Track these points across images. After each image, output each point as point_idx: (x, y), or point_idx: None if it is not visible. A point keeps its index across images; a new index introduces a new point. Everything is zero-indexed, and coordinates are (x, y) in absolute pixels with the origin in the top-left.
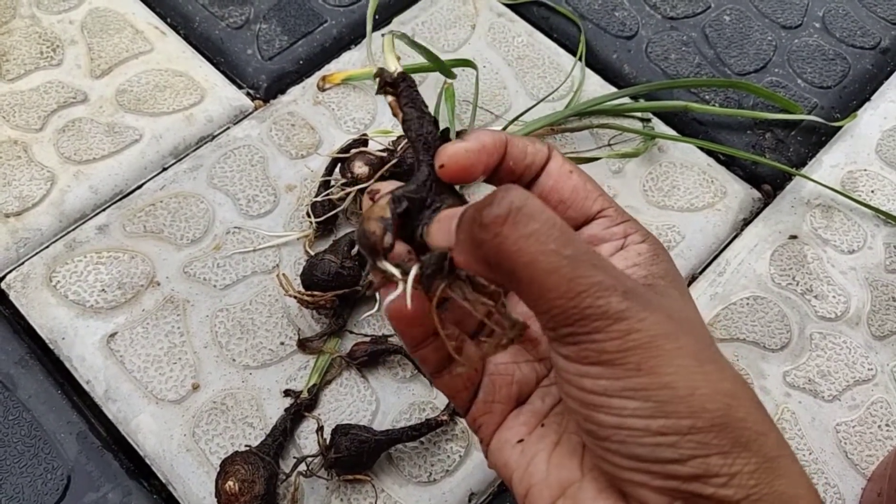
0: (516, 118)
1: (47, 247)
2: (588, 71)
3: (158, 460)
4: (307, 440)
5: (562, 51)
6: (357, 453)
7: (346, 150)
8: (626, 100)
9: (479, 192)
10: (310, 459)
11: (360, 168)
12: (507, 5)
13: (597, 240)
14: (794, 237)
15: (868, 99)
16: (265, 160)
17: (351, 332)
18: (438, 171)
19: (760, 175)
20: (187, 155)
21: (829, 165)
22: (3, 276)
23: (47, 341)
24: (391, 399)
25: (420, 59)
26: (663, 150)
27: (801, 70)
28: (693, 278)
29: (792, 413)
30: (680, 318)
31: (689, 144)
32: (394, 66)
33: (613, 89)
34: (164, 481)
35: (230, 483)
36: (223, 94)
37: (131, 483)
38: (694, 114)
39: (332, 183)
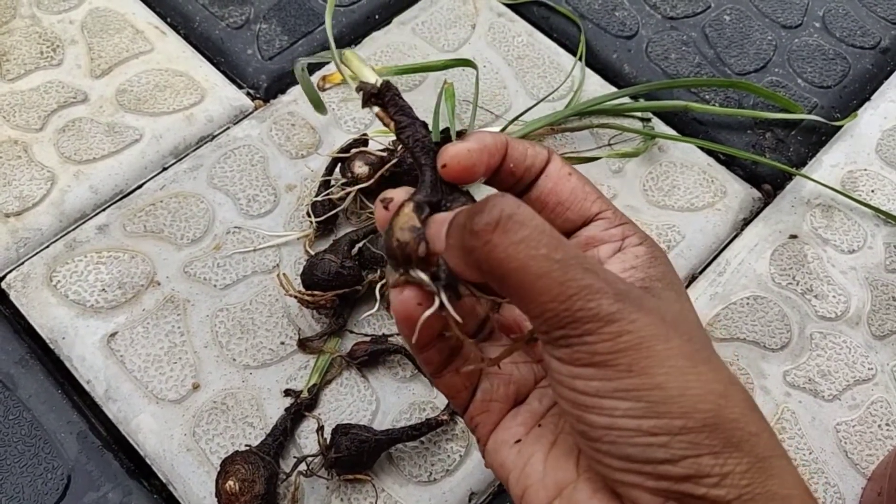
0: (516, 118)
1: (47, 246)
2: (588, 71)
3: (159, 460)
4: (307, 440)
5: (562, 50)
6: (357, 453)
7: (346, 149)
8: (626, 99)
9: (479, 192)
10: (310, 459)
11: (360, 168)
12: (507, 5)
13: (595, 241)
14: (794, 237)
15: (868, 99)
16: (265, 160)
17: (351, 332)
18: (441, 171)
19: (760, 175)
20: (187, 155)
21: (829, 165)
22: (4, 276)
23: (48, 341)
24: (391, 399)
25: (420, 60)
26: (663, 149)
27: (802, 70)
28: (693, 278)
29: (792, 413)
30: (673, 320)
31: (689, 144)
32: (374, 78)
33: (613, 89)
34: (164, 481)
35: (230, 483)
36: (223, 94)
37: (132, 483)
38: (694, 113)
39: (333, 183)
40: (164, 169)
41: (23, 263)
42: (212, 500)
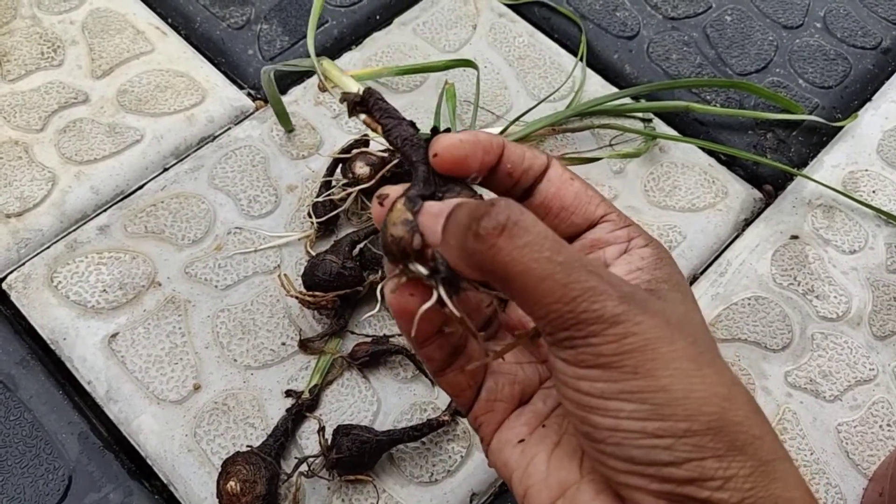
0: (517, 118)
1: (48, 247)
2: (589, 71)
3: (160, 461)
4: (308, 440)
5: (563, 51)
6: (358, 454)
7: (347, 150)
8: (628, 100)
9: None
10: (311, 460)
11: (361, 168)
12: (508, 5)
13: (601, 243)
14: (795, 237)
15: (869, 99)
16: (266, 160)
17: (352, 333)
18: (433, 160)
19: (762, 175)
20: (188, 155)
21: (830, 166)
22: (5, 277)
23: (48, 342)
24: (392, 399)
25: (421, 60)
26: (664, 150)
27: (803, 70)
28: (694, 279)
29: (793, 413)
30: (678, 322)
31: (690, 145)
32: (355, 87)
33: (614, 89)
34: (165, 482)
35: (232, 483)
36: (224, 95)
37: (133, 483)
38: (695, 114)
39: (334, 183)
40: (165, 169)
41: (24, 264)
42: (213, 500)
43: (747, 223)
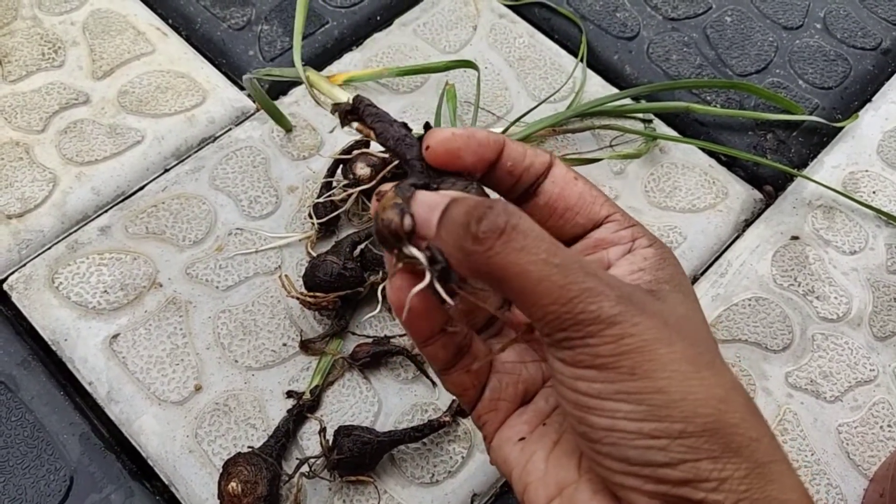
0: (518, 119)
1: (49, 248)
2: (589, 72)
3: (161, 462)
4: (310, 441)
5: (563, 52)
6: (359, 454)
7: (348, 151)
8: (628, 101)
9: None
10: (312, 461)
11: (362, 169)
12: (509, 6)
13: (605, 243)
14: (795, 238)
15: (869, 100)
16: (267, 161)
17: (353, 334)
18: (425, 152)
19: (762, 176)
20: (189, 156)
21: (830, 166)
22: (6, 278)
23: (49, 343)
24: (393, 400)
25: (422, 61)
26: (665, 150)
27: (803, 71)
28: (695, 279)
29: (794, 414)
30: (677, 323)
31: (690, 145)
32: (345, 96)
33: (615, 90)
34: (166, 482)
35: (233, 484)
36: (225, 96)
37: (134, 484)
38: (695, 115)
39: (335, 184)
40: (166, 170)
41: (25, 265)
42: (214, 501)
43: (748, 224)
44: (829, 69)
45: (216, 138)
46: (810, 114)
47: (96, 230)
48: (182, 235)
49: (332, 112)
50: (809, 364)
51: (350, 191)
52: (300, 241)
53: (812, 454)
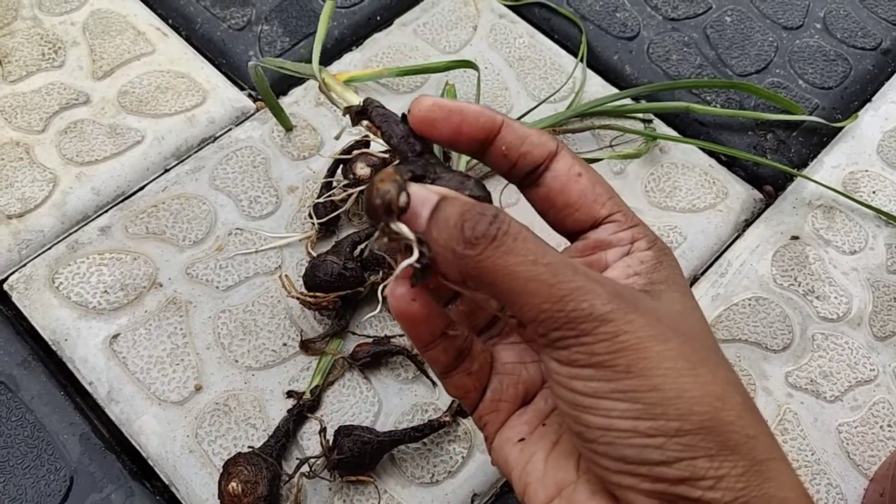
0: (518, 119)
1: (49, 248)
2: (589, 72)
3: (161, 462)
4: (310, 441)
5: (563, 52)
6: (360, 454)
7: (348, 151)
8: (628, 101)
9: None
10: (312, 460)
11: (362, 169)
12: (509, 6)
13: (604, 244)
14: (795, 238)
15: (869, 100)
16: (267, 161)
17: (353, 333)
18: (410, 117)
19: (762, 176)
20: (189, 156)
21: (830, 166)
22: (6, 278)
23: (50, 343)
24: (394, 400)
25: (422, 61)
26: (665, 150)
27: (803, 71)
28: (695, 279)
29: (794, 414)
30: (672, 321)
31: (690, 145)
32: (356, 99)
33: (615, 90)
34: (166, 482)
35: (233, 484)
36: (225, 96)
37: (134, 484)
38: (695, 115)
39: (335, 184)
40: (166, 170)
41: (25, 265)
42: (214, 501)
43: (748, 224)
44: (829, 69)
45: (216, 138)
46: (810, 114)
47: (96, 230)
48: (182, 235)
49: (344, 113)
50: (809, 364)
51: (350, 191)
52: (300, 241)
53: (812, 454)
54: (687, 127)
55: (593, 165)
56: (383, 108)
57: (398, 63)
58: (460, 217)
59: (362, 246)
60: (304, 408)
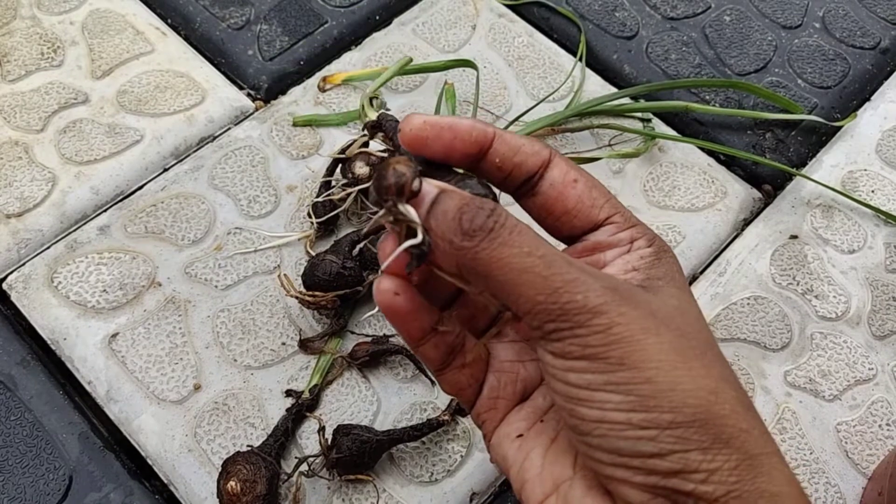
0: (517, 118)
1: (48, 247)
2: (588, 71)
3: (160, 461)
4: (309, 440)
5: (562, 51)
6: (358, 453)
7: (346, 150)
8: (627, 100)
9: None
10: (311, 459)
11: (361, 168)
12: (508, 6)
13: (602, 246)
14: (794, 237)
15: (868, 99)
16: (266, 161)
17: (352, 333)
18: (400, 136)
19: (761, 175)
20: (188, 156)
21: (829, 165)
22: (5, 277)
23: (49, 342)
24: (392, 399)
25: (421, 60)
26: (664, 150)
27: (802, 70)
28: (693, 278)
29: (793, 413)
30: (667, 315)
31: (689, 144)
32: (374, 114)
33: (614, 90)
34: (165, 482)
35: (232, 483)
36: (224, 95)
37: (133, 483)
38: (694, 114)
39: (333, 183)
40: (165, 170)
41: (24, 264)
42: (213, 500)
43: (746, 223)
44: (828, 68)
45: (215, 138)
46: (809, 113)
47: (95, 229)
48: (181, 235)
49: (364, 128)
50: (808, 363)
51: (349, 190)
52: (299, 240)
53: (811, 453)
54: (686, 126)
55: (592, 164)
56: (396, 120)
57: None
58: (458, 210)
59: (361, 245)
60: (302, 407)
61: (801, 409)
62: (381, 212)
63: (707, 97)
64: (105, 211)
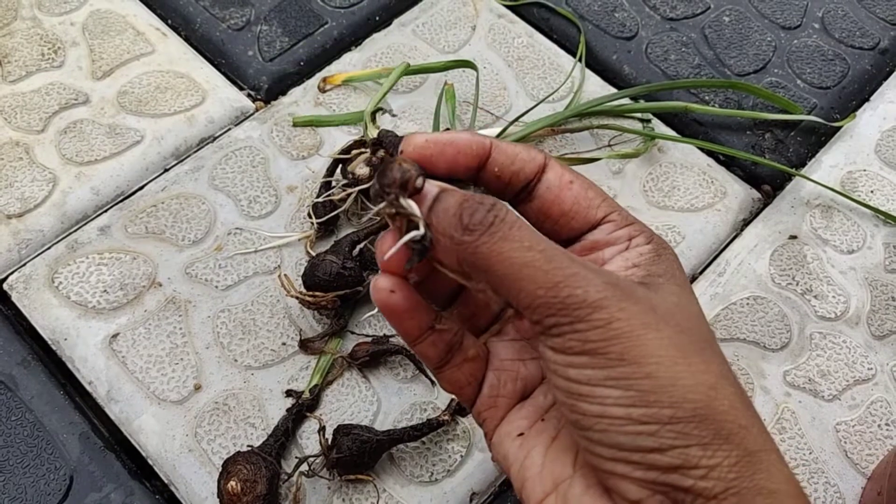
0: (516, 119)
1: (49, 248)
2: (588, 72)
3: (161, 461)
4: (309, 440)
5: (562, 52)
6: (359, 453)
7: (347, 150)
8: (626, 100)
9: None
10: (312, 459)
11: (361, 169)
12: (507, 6)
13: (600, 245)
14: (793, 237)
15: (867, 99)
16: (266, 161)
17: (352, 333)
18: (402, 155)
19: (760, 175)
20: (189, 156)
21: (828, 166)
22: (6, 278)
23: (49, 342)
24: (392, 399)
25: (421, 61)
26: (663, 150)
27: (801, 70)
28: (693, 278)
29: (792, 412)
30: (667, 311)
31: (688, 145)
32: (375, 132)
33: (613, 90)
34: (166, 482)
35: (232, 483)
36: (224, 96)
37: (133, 483)
38: (694, 114)
39: (334, 184)
40: (166, 170)
41: (24, 265)
42: (214, 500)
43: (746, 223)
44: (827, 69)
45: (215, 138)
46: (808, 113)
47: (96, 230)
48: (181, 235)
49: (367, 146)
50: (807, 363)
51: (349, 190)
52: (299, 240)
53: (810, 453)
54: (685, 127)
55: (592, 165)
56: (396, 136)
57: (397, 63)
58: (459, 206)
59: (361, 245)
60: (303, 407)
61: (800, 409)
62: (383, 204)
63: (706, 97)
64: (105, 211)
